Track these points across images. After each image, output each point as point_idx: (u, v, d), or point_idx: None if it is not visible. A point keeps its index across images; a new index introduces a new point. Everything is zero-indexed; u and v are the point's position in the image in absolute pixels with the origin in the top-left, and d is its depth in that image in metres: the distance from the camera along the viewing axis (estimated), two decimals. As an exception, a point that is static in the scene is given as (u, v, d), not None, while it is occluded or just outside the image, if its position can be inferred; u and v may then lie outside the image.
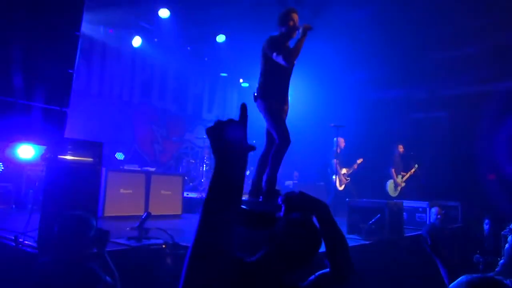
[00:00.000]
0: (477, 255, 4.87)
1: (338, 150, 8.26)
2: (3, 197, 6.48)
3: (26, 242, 3.18)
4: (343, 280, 1.63)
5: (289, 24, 3.93)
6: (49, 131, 2.34)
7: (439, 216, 5.56)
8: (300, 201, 1.65)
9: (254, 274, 1.51)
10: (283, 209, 1.66)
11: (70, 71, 2.48)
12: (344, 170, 8.31)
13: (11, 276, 2.53)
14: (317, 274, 1.67)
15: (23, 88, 2.21)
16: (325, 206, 1.66)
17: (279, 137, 3.89)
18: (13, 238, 3.19)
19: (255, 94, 4.01)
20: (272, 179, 3.85)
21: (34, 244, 3.14)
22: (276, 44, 3.87)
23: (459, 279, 1.14)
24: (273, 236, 1.60)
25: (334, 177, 8.16)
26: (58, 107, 2.40)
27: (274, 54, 3.81)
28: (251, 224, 1.76)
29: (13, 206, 6.46)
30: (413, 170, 8.59)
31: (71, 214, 2.54)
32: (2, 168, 6.68)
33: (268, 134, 4.11)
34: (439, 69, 9.48)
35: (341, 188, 8.18)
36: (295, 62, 3.92)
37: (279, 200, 1.71)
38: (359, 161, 8.46)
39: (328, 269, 1.65)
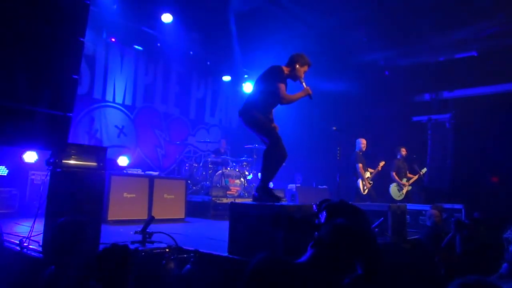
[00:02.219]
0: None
1: (360, 153, 8.17)
2: (8, 201, 6.51)
3: (31, 246, 3.20)
4: (374, 281, 1.74)
5: (299, 71, 4.16)
6: (53, 136, 2.37)
7: (435, 220, 5.51)
8: (342, 208, 1.73)
9: (304, 275, 1.60)
10: (324, 215, 1.72)
11: (74, 76, 2.50)
12: (367, 174, 8.16)
13: (16, 280, 2.55)
14: (352, 276, 1.76)
15: (27, 93, 2.23)
16: (363, 213, 1.79)
17: (269, 142, 3.99)
18: (18, 242, 3.22)
19: (240, 110, 4.17)
20: (263, 185, 3.91)
21: (39, 249, 3.16)
22: (282, 78, 4.09)
23: (454, 281, 1.16)
24: (319, 240, 1.69)
25: (359, 181, 8.00)
26: (62, 112, 2.42)
27: (277, 85, 4.03)
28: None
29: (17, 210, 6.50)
30: (421, 173, 8.50)
31: (67, 219, 2.53)
32: (7, 171, 6.71)
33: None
34: (441, 72, 9.49)
35: (365, 193, 7.98)
36: None
37: (315, 207, 1.79)
38: (381, 163, 8.24)
39: (359, 271, 1.75)
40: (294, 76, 4.20)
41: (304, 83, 4.16)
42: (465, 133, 9.33)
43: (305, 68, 4.21)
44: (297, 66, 4.16)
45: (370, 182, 8.08)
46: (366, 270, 1.74)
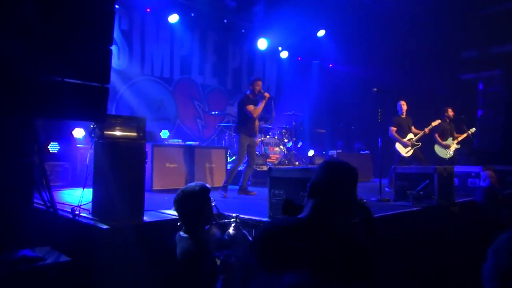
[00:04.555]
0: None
1: (404, 115, 7.71)
2: (61, 175, 6.95)
3: (82, 214, 3.40)
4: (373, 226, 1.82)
5: (255, 88, 6.05)
6: (93, 107, 2.42)
7: (492, 181, 5.21)
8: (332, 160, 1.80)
9: (311, 226, 1.65)
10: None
11: (108, 47, 2.52)
12: (410, 135, 7.67)
13: (70, 244, 2.71)
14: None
15: (65, 67, 2.28)
16: (354, 168, 1.81)
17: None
18: (70, 211, 3.42)
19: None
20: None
21: (90, 216, 3.35)
22: (246, 102, 5.97)
23: (502, 235, 1.11)
24: (313, 184, 1.73)
25: (396, 144, 7.61)
26: (100, 84, 2.46)
27: (245, 109, 5.89)
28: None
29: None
30: (469, 132, 7.93)
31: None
32: (59, 147, 7.12)
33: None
34: (490, 25, 8.75)
35: (408, 155, 7.56)
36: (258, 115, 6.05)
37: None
38: (434, 123, 7.65)
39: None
40: (254, 93, 6.04)
41: (262, 92, 6.03)
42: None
43: (258, 83, 6.08)
44: (251, 88, 6.09)
45: (417, 143, 7.66)
46: (364, 216, 1.81)
